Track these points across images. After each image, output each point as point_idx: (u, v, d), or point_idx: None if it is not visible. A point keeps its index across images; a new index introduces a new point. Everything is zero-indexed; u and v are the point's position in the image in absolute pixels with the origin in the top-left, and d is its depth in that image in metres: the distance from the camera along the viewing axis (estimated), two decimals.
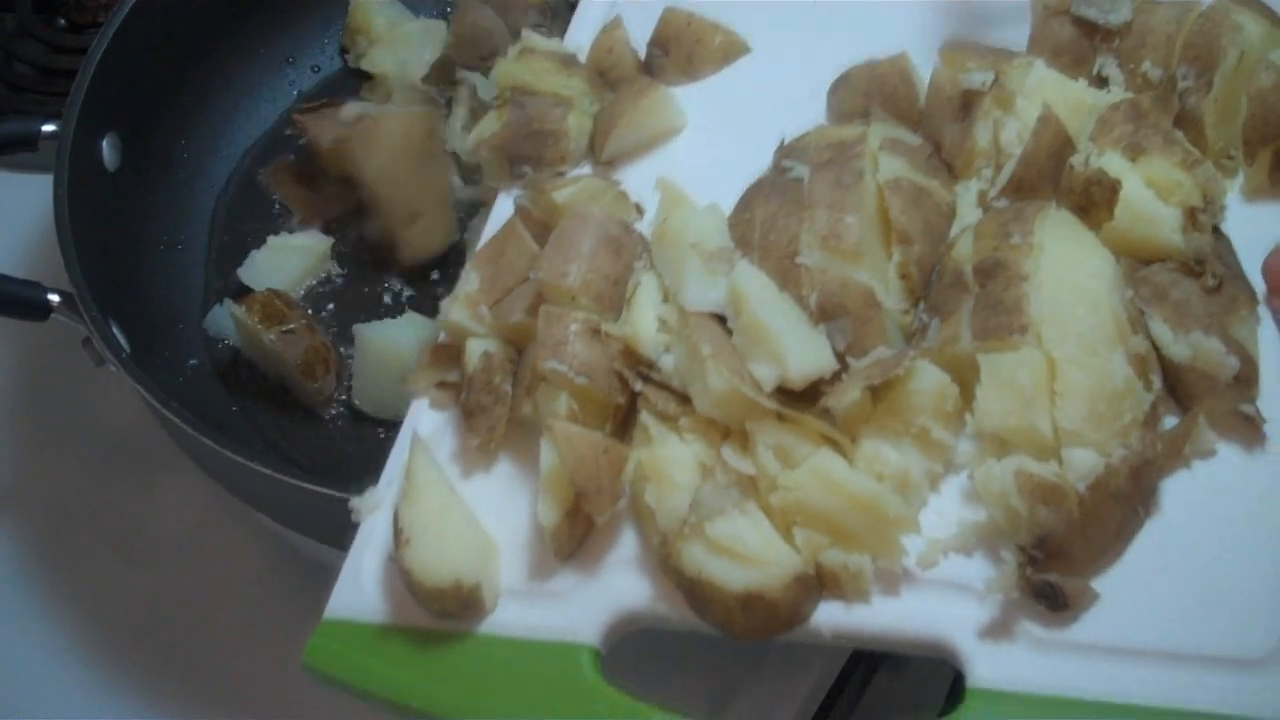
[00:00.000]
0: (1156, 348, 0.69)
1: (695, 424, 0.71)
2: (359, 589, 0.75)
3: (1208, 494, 0.66)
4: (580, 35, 0.95)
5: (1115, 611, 0.64)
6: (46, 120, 1.07)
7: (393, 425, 1.01)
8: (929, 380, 0.69)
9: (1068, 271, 0.70)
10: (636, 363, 0.74)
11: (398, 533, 0.72)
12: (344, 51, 1.26)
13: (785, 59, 0.88)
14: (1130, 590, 0.65)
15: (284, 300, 1.07)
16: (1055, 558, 0.64)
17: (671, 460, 0.71)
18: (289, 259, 1.12)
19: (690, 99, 0.90)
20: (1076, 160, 0.73)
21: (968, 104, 0.79)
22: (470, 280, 0.81)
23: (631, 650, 0.72)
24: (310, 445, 1.04)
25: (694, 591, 0.68)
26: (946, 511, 0.69)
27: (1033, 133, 0.75)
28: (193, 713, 1.01)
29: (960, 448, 0.70)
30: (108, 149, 1.10)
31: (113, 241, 1.07)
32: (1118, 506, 0.65)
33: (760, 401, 0.69)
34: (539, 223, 0.83)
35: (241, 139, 1.23)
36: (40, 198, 1.09)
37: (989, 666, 0.65)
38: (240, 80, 1.24)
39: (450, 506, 0.75)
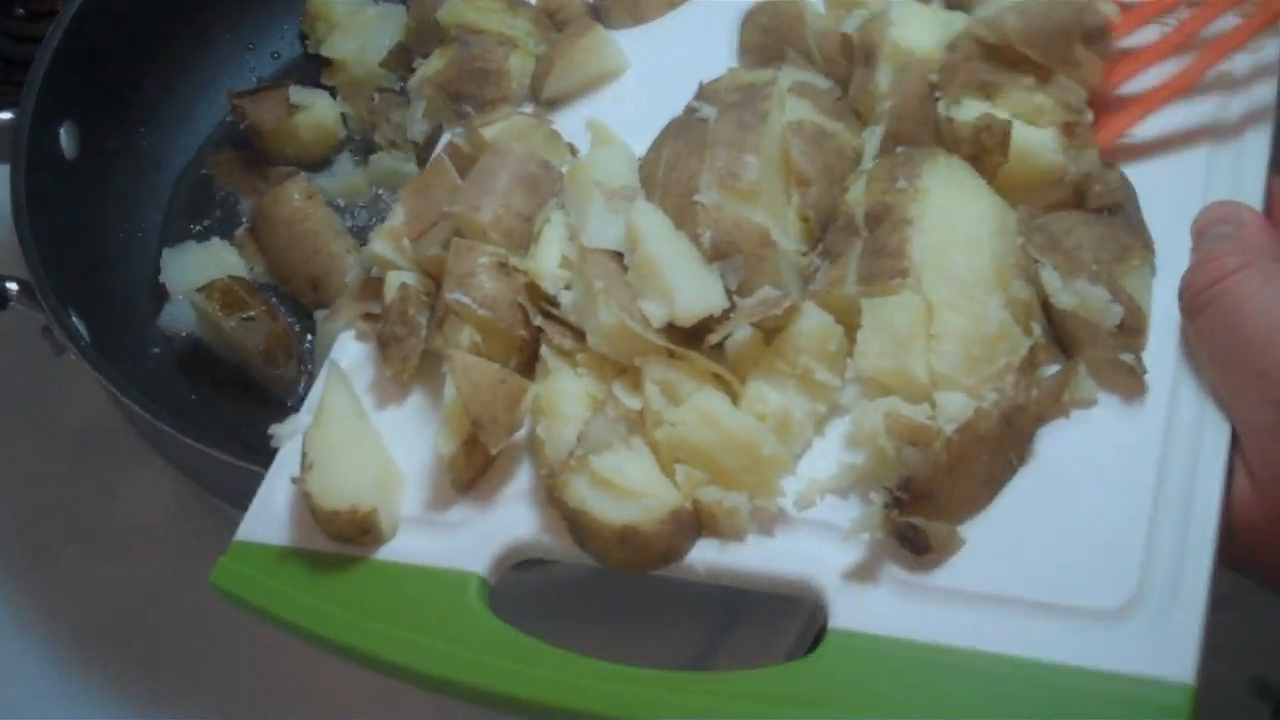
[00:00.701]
0: (1046, 296, 0.69)
1: (590, 359, 0.73)
2: (270, 513, 0.78)
3: (1084, 444, 0.66)
4: None
5: (982, 558, 0.65)
6: (3, 108, 1.06)
7: None
8: (813, 321, 0.70)
9: (951, 217, 0.70)
10: (539, 298, 0.75)
11: (303, 457, 0.75)
12: (304, 37, 1.27)
13: (732, 3, 0.88)
14: (998, 537, 0.65)
15: (245, 287, 1.08)
16: (921, 500, 0.65)
17: (564, 393, 0.72)
18: (205, 265, 1.13)
19: (635, 42, 0.91)
20: (939, 114, 0.74)
21: (866, 48, 0.79)
22: (396, 214, 0.83)
23: (614, 604, 0.73)
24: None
25: (576, 523, 0.69)
26: (830, 454, 0.70)
27: (896, 85, 0.76)
28: (162, 706, 1.02)
29: (847, 391, 0.70)
30: (66, 137, 1.10)
31: (71, 230, 1.07)
32: (987, 451, 0.65)
33: (649, 338, 0.70)
34: (467, 159, 0.84)
35: (201, 127, 1.23)
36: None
37: (850, 608, 0.65)
38: (200, 67, 1.24)
39: (357, 434, 0.77)
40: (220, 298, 1.06)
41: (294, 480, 0.76)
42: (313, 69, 1.24)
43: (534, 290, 0.75)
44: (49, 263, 0.99)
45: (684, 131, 0.78)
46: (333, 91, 1.21)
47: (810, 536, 0.68)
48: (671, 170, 0.76)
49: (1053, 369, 0.69)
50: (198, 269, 1.12)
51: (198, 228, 1.17)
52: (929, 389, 0.67)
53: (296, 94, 1.17)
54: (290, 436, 0.80)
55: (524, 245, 0.78)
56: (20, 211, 1.00)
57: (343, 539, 0.74)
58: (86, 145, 1.12)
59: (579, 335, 0.73)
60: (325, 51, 1.21)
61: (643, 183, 0.77)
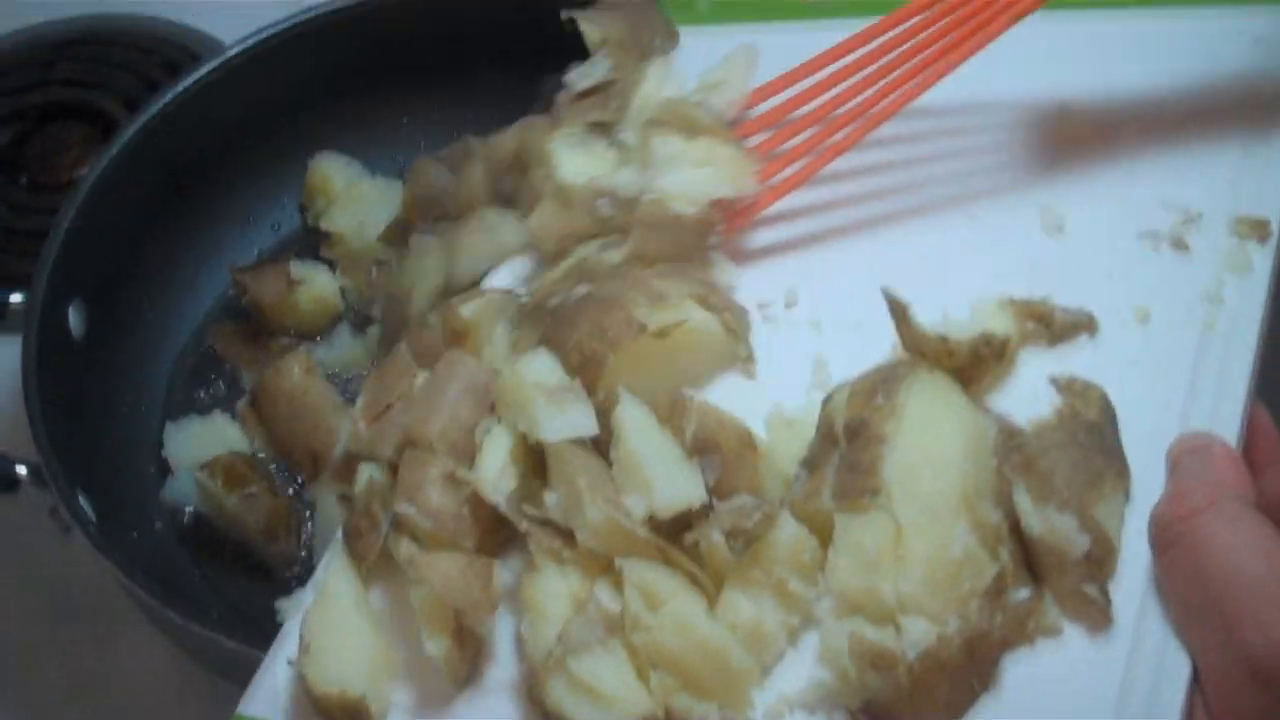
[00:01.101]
0: (1018, 519, 0.70)
1: (577, 557, 0.74)
2: (271, 689, 0.79)
3: (1048, 672, 0.67)
4: None
5: None
6: (12, 290, 1.10)
7: None
8: (788, 532, 0.72)
9: (923, 436, 0.71)
10: (482, 507, 0.77)
11: (300, 638, 0.76)
12: (303, 210, 1.31)
13: None
14: None
15: (246, 463, 1.11)
16: None
17: (549, 592, 0.73)
18: (207, 440, 1.15)
19: None
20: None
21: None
22: (361, 396, 0.85)
23: None
24: (273, 608, 1.06)
25: None
26: (802, 666, 0.71)
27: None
28: None
29: (821, 604, 0.71)
30: (74, 316, 1.13)
31: (78, 408, 1.10)
32: (948, 678, 0.66)
33: (634, 531, 0.72)
34: (424, 342, 0.87)
35: (204, 298, 1.27)
36: (4, 356, 1.12)
37: None
38: (203, 240, 1.28)
39: (353, 616, 0.78)
40: (223, 474, 1.09)
41: (290, 662, 0.78)
42: (312, 241, 1.28)
43: (477, 500, 0.76)
44: (58, 445, 1.02)
45: None
46: (331, 264, 1.25)
47: None
48: None
49: (1022, 592, 0.70)
50: (199, 444, 1.15)
51: (200, 400, 1.21)
52: (895, 611, 0.68)
53: (297, 268, 1.21)
54: (294, 613, 0.82)
55: (469, 457, 0.79)
56: (30, 394, 1.03)
57: None
58: (93, 323, 1.15)
59: (566, 535, 0.74)
60: (325, 226, 1.25)
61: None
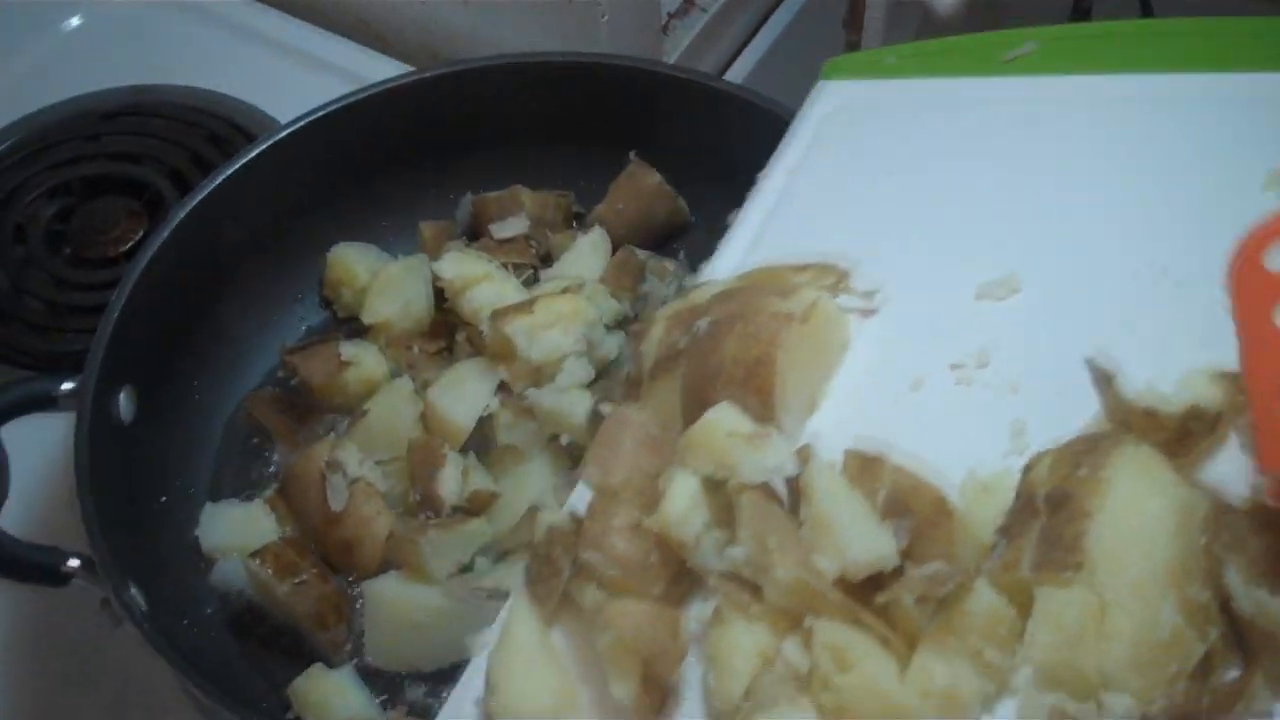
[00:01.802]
0: (1229, 597, 0.68)
1: (765, 612, 0.74)
2: None
3: None
4: None
5: None
6: (64, 379, 1.11)
7: (405, 676, 1.05)
8: (984, 602, 0.71)
9: (1131, 512, 0.70)
10: (672, 546, 0.78)
11: (487, 680, 0.78)
12: (327, 302, 1.32)
13: None
14: None
15: (296, 549, 1.11)
16: None
17: (736, 647, 0.74)
18: (245, 527, 1.15)
19: None
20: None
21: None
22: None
23: None
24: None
25: None
26: None
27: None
28: None
29: (1018, 673, 0.70)
30: (124, 402, 1.14)
31: (128, 494, 1.12)
32: None
33: (824, 592, 0.72)
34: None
35: (252, 375, 1.28)
36: (50, 441, 1.13)
37: None
38: (251, 317, 1.29)
39: (537, 658, 0.80)
40: (273, 562, 1.10)
41: (476, 704, 0.80)
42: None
43: (664, 548, 0.78)
44: (110, 537, 1.02)
45: None
46: None
47: None
48: None
49: (1231, 672, 0.68)
50: (233, 530, 1.15)
51: (249, 480, 1.22)
52: (1097, 687, 0.67)
53: (347, 349, 1.21)
54: (480, 650, 0.83)
55: (653, 504, 0.80)
56: (83, 488, 1.04)
57: None
58: (143, 407, 1.16)
59: (754, 588, 0.75)
60: (367, 319, 1.25)
61: None
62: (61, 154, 1.51)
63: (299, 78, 1.55)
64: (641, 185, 1.28)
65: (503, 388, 1.16)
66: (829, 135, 1.02)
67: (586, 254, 1.24)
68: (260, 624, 1.12)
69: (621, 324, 1.21)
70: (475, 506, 1.12)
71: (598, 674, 0.78)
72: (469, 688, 0.82)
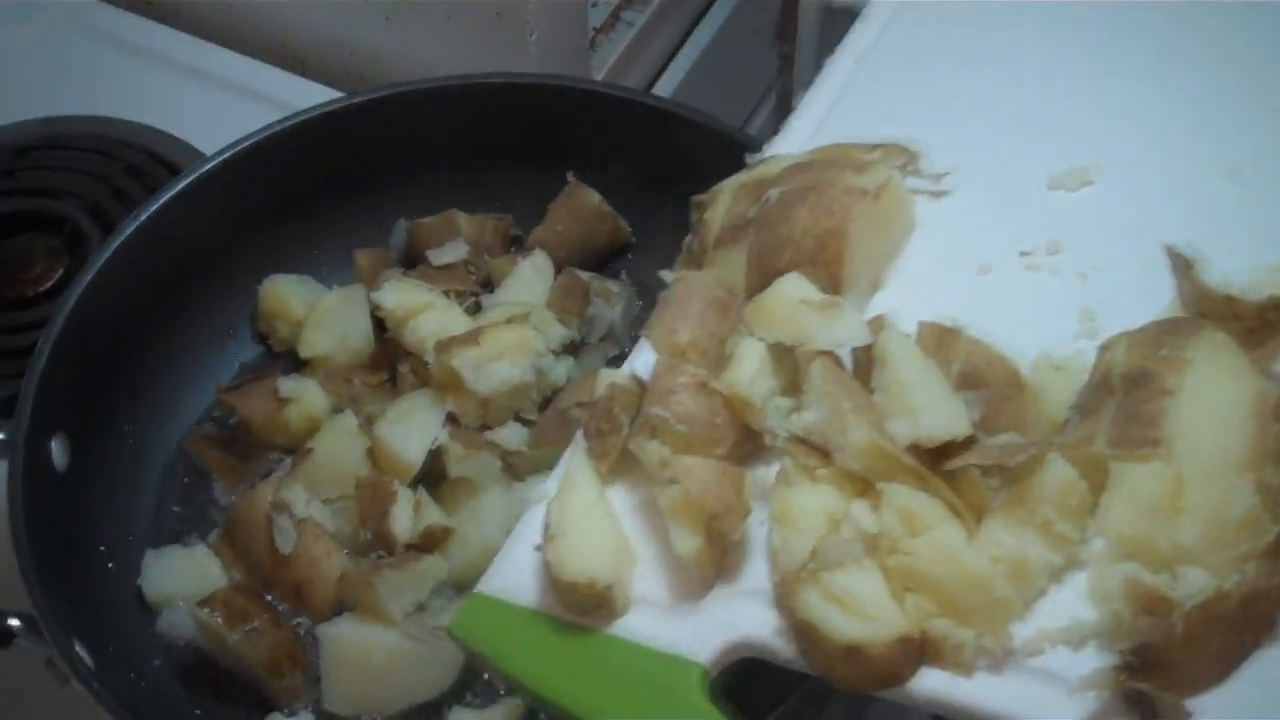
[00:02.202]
0: None
1: (833, 475, 0.77)
2: (513, 571, 0.84)
3: None
4: None
5: None
6: None
7: None
8: (1057, 474, 0.73)
9: (1210, 393, 0.73)
10: (741, 408, 0.81)
11: (546, 526, 0.81)
12: (261, 337, 1.28)
13: None
14: (1229, 716, 0.67)
15: (246, 595, 1.08)
16: (1153, 669, 0.67)
17: (802, 507, 0.77)
18: (190, 573, 1.12)
19: None
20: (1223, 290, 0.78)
21: None
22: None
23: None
24: None
25: (803, 634, 0.74)
26: (1063, 603, 0.72)
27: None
28: None
29: (1087, 546, 0.73)
30: (56, 449, 1.11)
31: (67, 546, 1.08)
32: (1223, 631, 0.68)
33: (898, 456, 0.74)
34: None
35: (186, 416, 1.24)
36: None
37: None
38: (183, 356, 1.26)
39: (596, 509, 0.83)
40: (223, 610, 1.07)
41: (536, 548, 0.82)
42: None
43: (731, 408, 0.81)
44: (50, 591, 0.99)
45: None
46: None
47: (1037, 683, 0.71)
48: None
49: None
50: (177, 578, 1.11)
51: (187, 524, 1.18)
52: (1172, 560, 0.69)
53: (285, 385, 1.18)
54: (539, 500, 0.86)
55: (718, 366, 0.83)
56: (21, 540, 1.01)
57: (578, 610, 0.80)
58: (76, 453, 1.12)
59: (822, 453, 0.77)
60: (305, 352, 1.22)
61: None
62: None
63: (217, 104, 1.51)
64: (581, 206, 1.27)
65: (451, 419, 1.14)
66: (899, 25, 1.03)
67: (529, 278, 1.22)
68: (211, 673, 1.09)
69: (569, 348, 1.19)
70: (429, 543, 1.09)
71: (656, 531, 0.81)
72: (524, 535, 0.85)
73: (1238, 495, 0.69)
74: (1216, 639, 0.68)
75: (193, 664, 1.09)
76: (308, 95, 1.46)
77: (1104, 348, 0.78)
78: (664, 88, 1.59)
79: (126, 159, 1.45)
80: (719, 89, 1.64)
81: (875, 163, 0.90)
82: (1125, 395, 0.74)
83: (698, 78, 1.61)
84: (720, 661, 0.78)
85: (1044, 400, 0.78)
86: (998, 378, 0.78)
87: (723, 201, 0.93)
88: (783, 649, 0.76)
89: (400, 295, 1.18)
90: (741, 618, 0.77)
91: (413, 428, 1.12)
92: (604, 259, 1.30)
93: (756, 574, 0.79)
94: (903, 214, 0.91)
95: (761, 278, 0.87)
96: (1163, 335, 0.76)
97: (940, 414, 0.75)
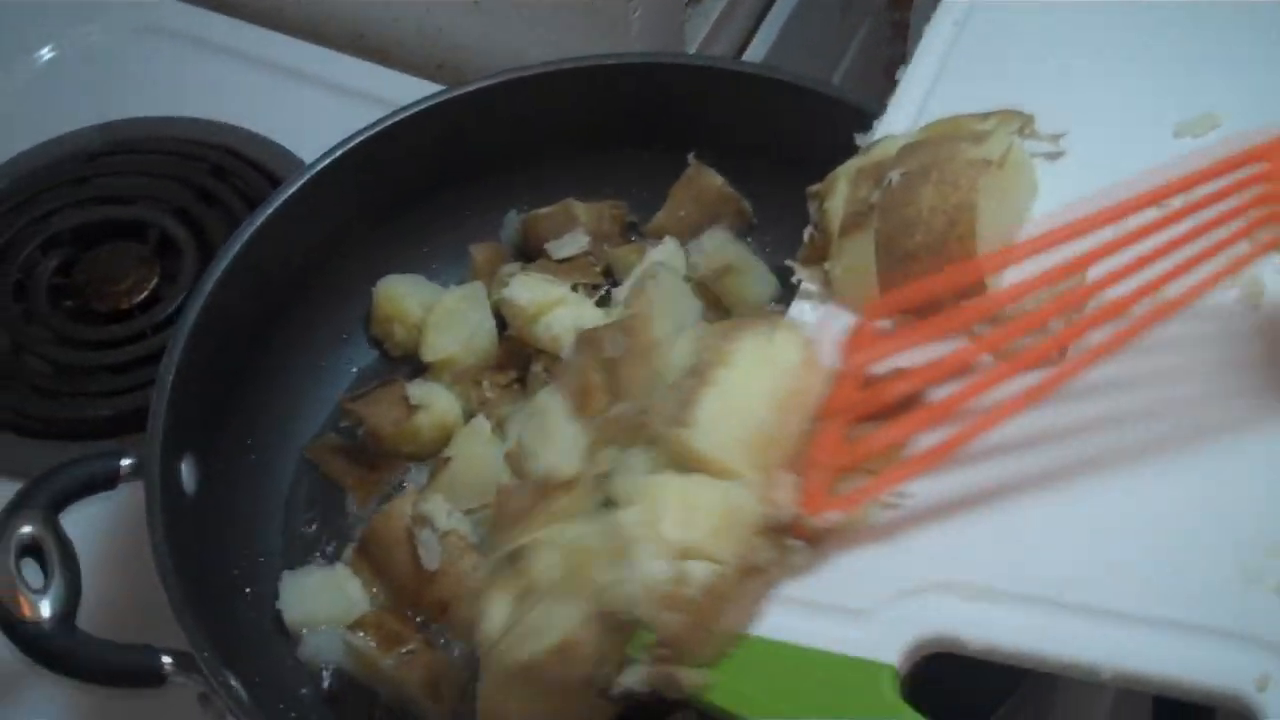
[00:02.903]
0: None
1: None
2: None
3: None
4: None
5: None
6: (121, 453, 1.02)
7: None
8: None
9: (736, 388, 0.81)
10: None
11: None
12: (378, 344, 1.23)
13: None
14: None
15: (396, 617, 1.04)
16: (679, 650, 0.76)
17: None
18: (329, 595, 1.07)
19: None
20: None
21: None
22: None
23: None
24: None
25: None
26: None
27: None
28: None
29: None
30: (186, 472, 1.06)
31: (205, 576, 1.03)
32: (729, 604, 0.77)
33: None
34: None
35: (308, 428, 1.20)
36: (102, 520, 1.06)
37: None
38: (298, 367, 1.20)
39: None
40: (375, 633, 1.02)
41: None
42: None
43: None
44: (204, 625, 0.94)
45: None
46: None
47: None
48: None
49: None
50: (317, 601, 1.07)
51: (318, 547, 1.13)
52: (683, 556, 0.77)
53: (414, 391, 1.13)
54: None
55: None
56: (168, 572, 0.95)
57: None
58: (203, 475, 1.07)
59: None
60: (428, 356, 1.18)
61: None
62: (47, 203, 1.39)
63: (295, 98, 1.46)
64: (703, 188, 1.22)
65: None
66: None
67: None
68: (360, 700, 1.04)
69: None
70: None
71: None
72: None
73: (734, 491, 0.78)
74: (724, 613, 0.76)
75: (340, 690, 1.04)
76: (392, 86, 1.42)
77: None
78: (752, 57, 1.53)
79: (209, 159, 1.40)
80: (806, 53, 1.59)
81: (992, 131, 0.88)
82: (681, 380, 0.82)
83: (786, 44, 1.56)
84: (909, 658, 0.74)
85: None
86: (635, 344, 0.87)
87: (841, 189, 0.91)
88: (974, 641, 0.73)
89: (532, 291, 1.14)
90: (928, 612, 0.74)
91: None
92: None
93: (936, 564, 0.76)
94: (1026, 179, 0.89)
95: (892, 261, 0.85)
96: (726, 329, 0.83)
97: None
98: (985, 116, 0.91)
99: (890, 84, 1.00)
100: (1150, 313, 0.76)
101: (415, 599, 1.06)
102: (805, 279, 0.93)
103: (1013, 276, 0.82)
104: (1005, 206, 0.86)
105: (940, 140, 0.88)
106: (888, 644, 0.74)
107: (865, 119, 0.99)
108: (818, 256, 0.92)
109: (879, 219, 0.86)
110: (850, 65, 1.72)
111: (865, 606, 0.76)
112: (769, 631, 0.76)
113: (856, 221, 0.88)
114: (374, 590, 1.07)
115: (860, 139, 0.96)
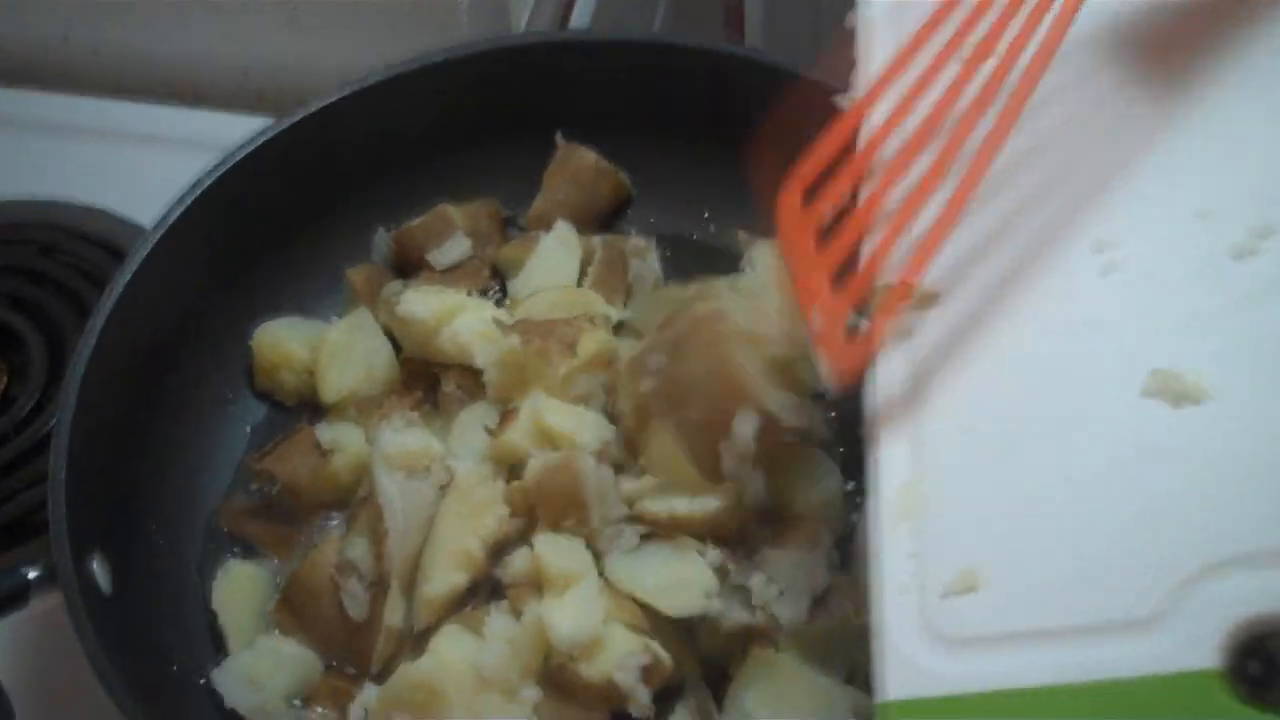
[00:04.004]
0: None
1: None
2: (907, 663, 0.68)
3: None
4: None
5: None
6: (27, 566, 0.93)
7: None
8: None
9: None
10: None
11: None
12: (267, 396, 1.15)
13: None
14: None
15: (338, 677, 0.99)
16: None
17: None
18: (275, 665, 1.00)
19: None
20: None
21: None
22: None
23: None
24: None
25: None
26: None
27: None
28: None
29: None
30: (99, 571, 0.97)
31: (150, 677, 0.95)
32: None
33: None
34: None
35: (209, 500, 1.11)
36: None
37: None
38: (185, 440, 1.11)
39: None
40: (330, 702, 0.96)
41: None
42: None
43: None
44: None
45: None
46: None
47: None
48: None
49: None
50: (259, 679, 0.98)
51: None
52: None
53: (324, 435, 1.07)
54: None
55: None
56: (110, 679, 0.88)
57: None
58: (117, 572, 0.98)
59: None
60: (329, 397, 1.10)
61: None
62: None
63: (115, 160, 1.35)
64: (578, 168, 1.17)
65: None
66: None
67: (557, 256, 1.13)
68: None
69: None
70: None
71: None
72: (897, 620, 0.70)
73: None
74: None
75: None
76: (215, 128, 1.31)
77: None
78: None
79: (35, 239, 1.30)
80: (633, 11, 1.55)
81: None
82: None
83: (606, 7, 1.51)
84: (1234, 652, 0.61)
85: None
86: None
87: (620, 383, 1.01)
88: None
89: (429, 303, 1.08)
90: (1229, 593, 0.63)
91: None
92: (608, 219, 1.20)
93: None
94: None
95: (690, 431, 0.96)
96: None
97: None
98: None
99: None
100: (1022, 77, 0.74)
101: (344, 651, 0.99)
102: None
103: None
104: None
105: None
106: (1195, 645, 0.62)
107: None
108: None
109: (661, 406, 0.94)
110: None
111: (1144, 611, 0.64)
112: (1023, 679, 0.64)
113: (644, 415, 0.96)
114: (306, 648, 1.00)
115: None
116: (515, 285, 1.14)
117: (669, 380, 0.95)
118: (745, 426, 0.92)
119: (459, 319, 1.07)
